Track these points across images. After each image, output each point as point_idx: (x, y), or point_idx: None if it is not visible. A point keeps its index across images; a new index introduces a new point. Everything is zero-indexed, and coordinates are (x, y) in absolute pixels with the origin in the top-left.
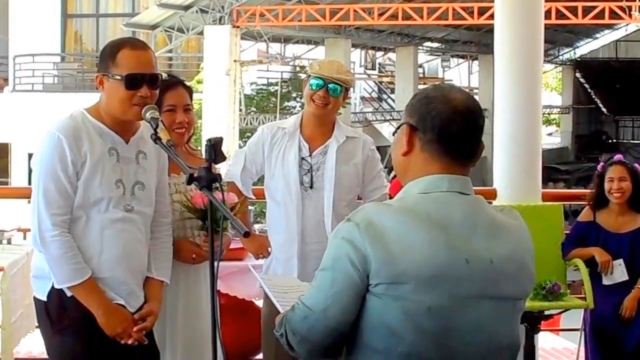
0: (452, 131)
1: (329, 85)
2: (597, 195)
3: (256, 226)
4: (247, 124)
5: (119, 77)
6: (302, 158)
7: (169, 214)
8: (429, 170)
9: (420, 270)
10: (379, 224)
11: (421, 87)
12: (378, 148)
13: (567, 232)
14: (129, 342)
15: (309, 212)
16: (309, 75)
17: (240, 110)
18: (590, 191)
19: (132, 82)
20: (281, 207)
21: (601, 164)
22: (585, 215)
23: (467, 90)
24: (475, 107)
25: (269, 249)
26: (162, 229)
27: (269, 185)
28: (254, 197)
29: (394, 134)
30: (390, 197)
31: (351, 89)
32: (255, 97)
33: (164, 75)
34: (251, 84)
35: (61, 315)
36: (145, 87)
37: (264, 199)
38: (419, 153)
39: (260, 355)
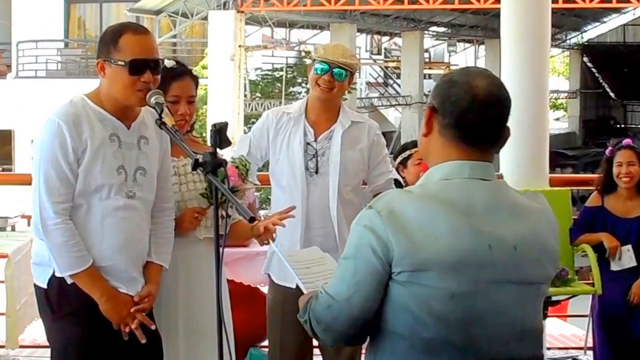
0: (468, 119)
1: (334, 70)
2: (606, 179)
3: (261, 212)
4: (252, 110)
5: (122, 63)
6: (307, 143)
7: (171, 199)
8: (449, 155)
9: (444, 257)
10: (400, 212)
11: (427, 72)
12: (384, 133)
13: (575, 217)
14: (133, 326)
15: (314, 198)
16: (314, 60)
17: (245, 95)
18: (598, 176)
19: (136, 67)
20: (286, 192)
21: (609, 148)
22: (593, 200)
23: None
24: (498, 95)
25: (274, 235)
26: (164, 213)
27: (274, 170)
28: (259, 183)
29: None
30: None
31: (356, 74)
32: (260, 83)
33: (172, 63)
34: (256, 69)
35: (61, 302)
36: (148, 73)
37: (269, 185)
38: (438, 136)
39: (266, 342)
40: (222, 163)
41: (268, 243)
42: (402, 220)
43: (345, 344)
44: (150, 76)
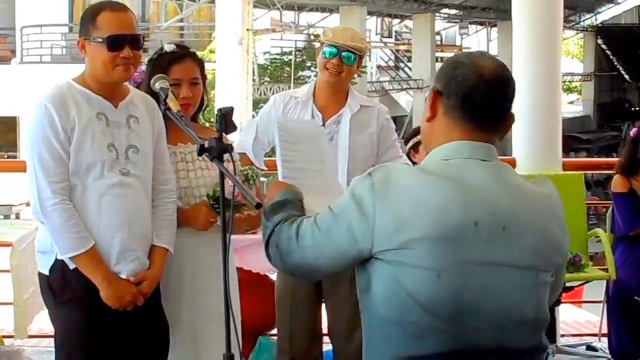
0: (476, 97)
1: (342, 53)
2: (630, 160)
3: None
4: (260, 95)
5: (100, 40)
6: None
7: (170, 182)
8: (452, 136)
9: (428, 232)
10: (395, 182)
11: (439, 54)
12: (395, 118)
13: (587, 202)
14: (128, 308)
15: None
16: (322, 43)
17: (254, 80)
18: (619, 159)
19: (114, 43)
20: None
21: (634, 129)
22: (620, 185)
23: None
24: (504, 76)
25: None
26: (163, 196)
27: None
28: (266, 169)
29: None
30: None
31: (366, 57)
32: (269, 67)
33: (172, 46)
34: (264, 53)
35: (64, 288)
36: (127, 48)
37: (276, 170)
38: (442, 119)
39: (275, 330)
40: (228, 148)
41: None
42: (394, 192)
43: (292, 275)
44: (129, 51)
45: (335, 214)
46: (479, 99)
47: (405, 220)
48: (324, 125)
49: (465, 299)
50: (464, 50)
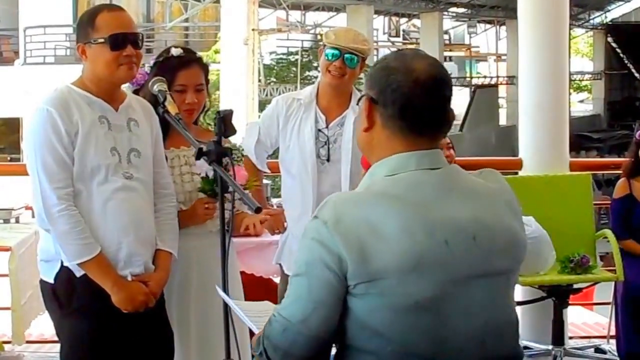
0: (414, 106)
1: (345, 55)
2: (634, 162)
3: (274, 200)
4: (266, 95)
5: (102, 40)
6: (319, 130)
7: (169, 186)
8: (395, 148)
9: (400, 261)
10: (348, 218)
11: (447, 54)
12: None
13: (597, 202)
14: (140, 309)
15: (325, 186)
16: (325, 45)
17: (260, 80)
18: (625, 160)
19: (116, 42)
20: (296, 180)
21: (639, 131)
22: (621, 190)
23: (493, 56)
24: (440, 75)
25: (285, 224)
26: (164, 200)
27: (284, 158)
28: (268, 171)
29: (357, 104)
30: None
31: (373, 57)
32: (275, 67)
33: (179, 51)
34: (270, 53)
35: (70, 297)
36: (130, 46)
37: (279, 172)
38: (381, 130)
39: None
40: (227, 152)
41: (279, 232)
42: (351, 227)
43: None
44: (132, 49)
45: (306, 269)
46: (418, 106)
47: (369, 252)
48: (327, 127)
49: (445, 321)
50: (395, 51)
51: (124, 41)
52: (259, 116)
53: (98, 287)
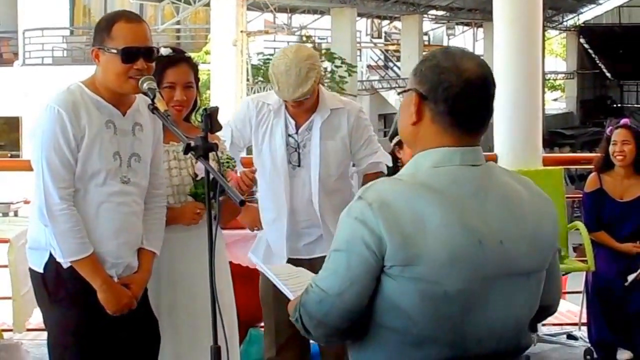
0: (465, 104)
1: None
2: (604, 158)
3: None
4: (254, 94)
5: (115, 51)
6: (289, 135)
7: (162, 186)
8: (441, 142)
9: (435, 252)
10: (392, 204)
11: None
12: (384, 115)
13: (569, 195)
14: (124, 311)
15: (298, 190)
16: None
17: (248, 80)
18: (596, 155)
19: (129, 55)
20: (270, 185)
21: (609, 127)
22: (591, 184)
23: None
24: (487, 75)
25: (260, 223)
26: (155, 200)
27: (257, 162)
28: (243, 168)
29: (399, 94)
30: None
31: (356, 57)
32: (262, 67)
33: (168, 50)
34: (258, 54)
35: (58, 286)
36: (142, 60)
37: (253, 166)
38: (430, 124)
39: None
40: (213, 147)
41: (258, 229)
42: (394, 212)
43: (338, 340)
44: (143, 64)
45: (346, 245)
46: (468, 105)
47: (410, 239)
48: (297, 132)
49: (469, 315)
50: (442, 50)
51: (136, 55)
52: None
53: (87, 281)
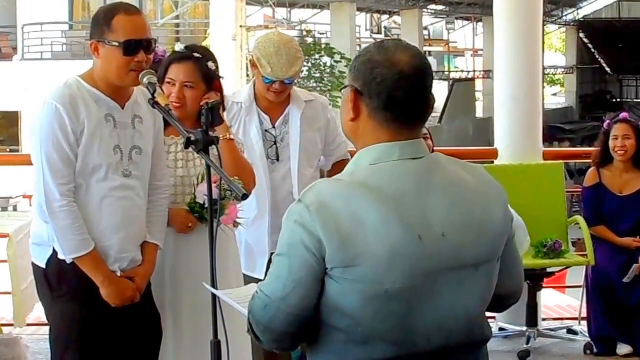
0: (399, 97)
1: (284, 80)
2: (602, 152)
3: None
4: None
5: (116, 44)
6: (266, 130)
7: (165, 177)
8: (379, 137)
9: (374, 251)
10: (330, 205)
11: (427, 49)
12: None
13: (569, 190)
14: (127, 304)
15: (277, 185)
16: (260, 66)
17: (247, 75)
18: (595, 149)
19: (130, 48)
20: None
21: (607, 122)
22: (590, 179)
23: (470, 51)
24: (422, 66)
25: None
26: (158, 192)
27: None
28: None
29: (340, 91)
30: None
31: (356, 52)
32: None
33: (181, 47)
34: None
35: (60, 281)
36: (142, 53)
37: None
38: (367, 120)
39: None
40: (214, 141)
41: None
42: (333, 214)
43: (291, 345)
44: (144, 56)
45: (287, 250)
46: (403, 98)
47: (347, 240)
48: (273, 127)
49: (414, 312)
50: (376, 43)
51: (137, 47)
52: None
53: (90, 277)
